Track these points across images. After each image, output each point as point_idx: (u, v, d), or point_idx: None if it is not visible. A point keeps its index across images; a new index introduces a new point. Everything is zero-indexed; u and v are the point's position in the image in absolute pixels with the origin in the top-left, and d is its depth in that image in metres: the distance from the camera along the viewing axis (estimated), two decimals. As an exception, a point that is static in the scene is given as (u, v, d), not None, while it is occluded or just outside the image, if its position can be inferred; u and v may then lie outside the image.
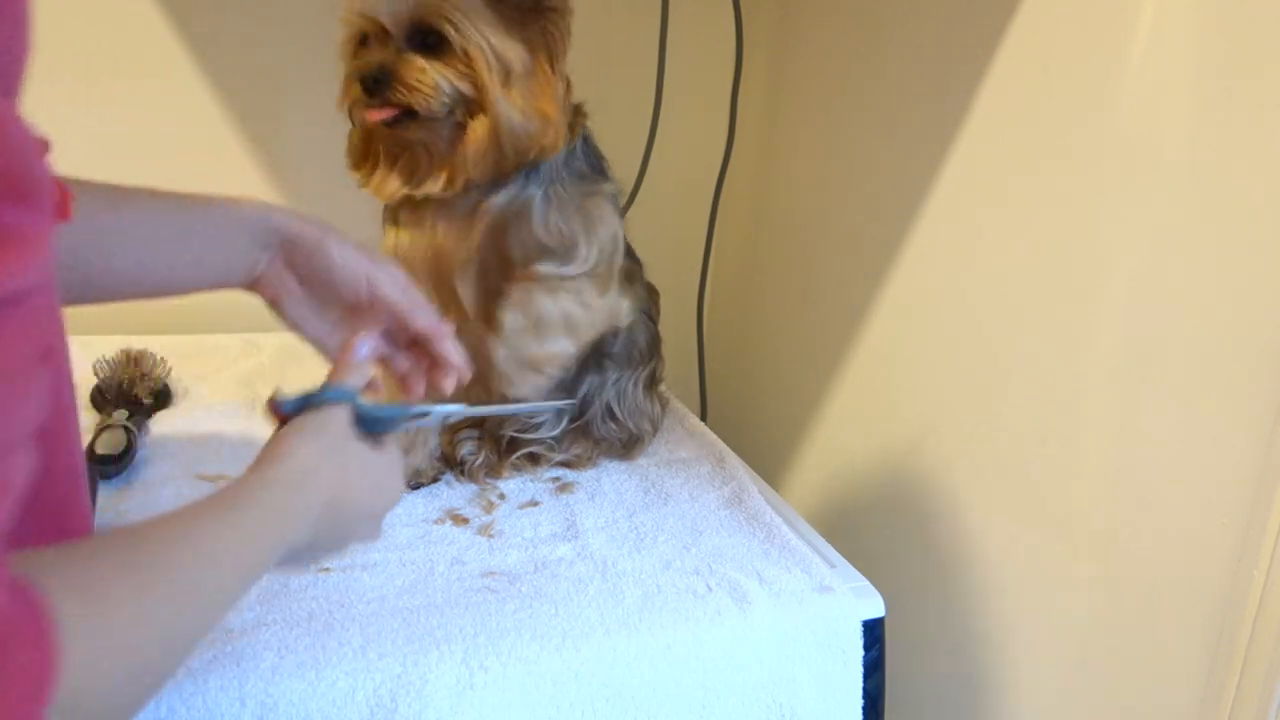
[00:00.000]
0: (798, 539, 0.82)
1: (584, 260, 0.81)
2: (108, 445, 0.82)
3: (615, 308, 0.87)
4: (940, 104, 0.93)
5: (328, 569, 0.70)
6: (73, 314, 1.29)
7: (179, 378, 1.04)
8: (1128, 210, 0.73)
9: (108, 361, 0.98)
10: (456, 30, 0.75)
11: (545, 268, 0.80)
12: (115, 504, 0.76)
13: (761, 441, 1.33)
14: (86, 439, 0.84)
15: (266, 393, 1.04)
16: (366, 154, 0.82)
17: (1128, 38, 0.72)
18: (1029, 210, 0.83)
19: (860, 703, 0.74)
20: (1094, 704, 0.78)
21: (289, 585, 0.68)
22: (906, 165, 0.98)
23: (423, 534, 0.77)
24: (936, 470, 0.96)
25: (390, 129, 0.78)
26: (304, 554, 0.49)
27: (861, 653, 0.74)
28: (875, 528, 1.05)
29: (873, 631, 0.74)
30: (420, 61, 0.75)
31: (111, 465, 0.80)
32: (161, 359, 1.02)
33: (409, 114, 0.76)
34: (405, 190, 0.80)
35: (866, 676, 0.74)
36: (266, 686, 0.59)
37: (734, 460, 0.97)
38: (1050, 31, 0.80)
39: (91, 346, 1.07)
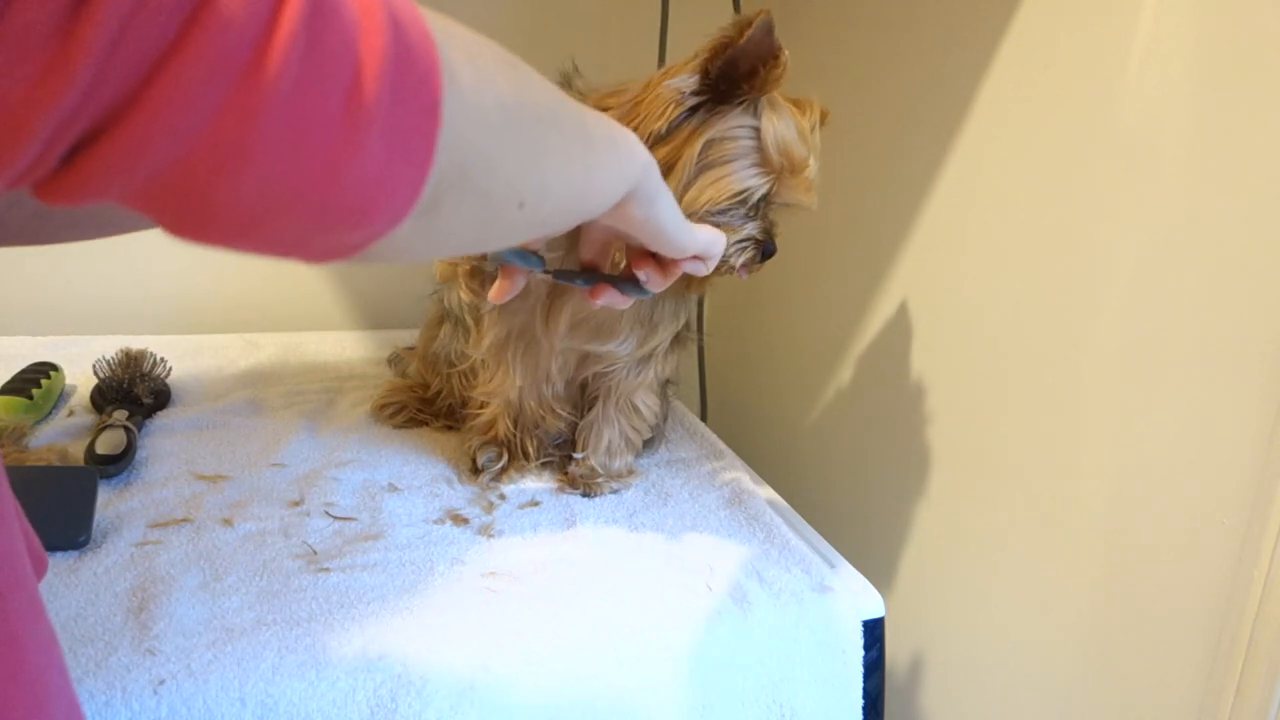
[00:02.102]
0: (798, 539, 0.82)
1: (659, 337, 0.85)
2: (108, 445, 0.82)
3: (663, 406, 0.96)
4: (940, 104, 0.93)
5: (327, 569, 0.70)
6: (73, 313, 1.29)
7: (179, 378, 1.04)
8: (1128, 210, 0.73)
9: (108, 361, 0.98)
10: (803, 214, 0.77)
11: (625, 347, 0.83)
12: (115, 504, 0.76)
13: (761, 441, 1.33)
14: (86, 439, 0.84)
15: (267, 393, 1.05)
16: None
17: (1128, 38, 0.72)
18: (1029, 210, 0.83)
19: (860, 703, 0.74)
20: (1094, 704, 0.78)
21: (289, 585, 0.68)
22: (906, 165, 0.99)
23: (423, 534, 0.77)
24: (937, 471, 0.96)
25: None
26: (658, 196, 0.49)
27: (861, 653, 0.74)
28: (875, 528, 1.05)
29: (873, 631, 0.74)
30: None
31: (111, 465, 0.80)
32: (161, 359, 1.02)
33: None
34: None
35: (866, 676, 0.74)
36: (266, 686, 0.59)
37: (734, 460, 0.97)
38: (1050, 31, 0.80)
39: (91, 346, 1.07)
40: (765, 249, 0.75)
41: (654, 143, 0.71)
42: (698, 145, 0.70)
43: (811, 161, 0.75)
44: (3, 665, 0.34)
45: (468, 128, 0.32)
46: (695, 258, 0.58)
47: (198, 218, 0.28)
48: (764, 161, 0.72)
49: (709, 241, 0.57)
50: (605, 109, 0.74)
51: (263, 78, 0.25)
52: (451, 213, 0.33)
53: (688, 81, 0.70)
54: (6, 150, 0.24)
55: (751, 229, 0.74)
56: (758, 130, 0.71)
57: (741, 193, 0.72)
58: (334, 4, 0.27)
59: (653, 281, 0.59)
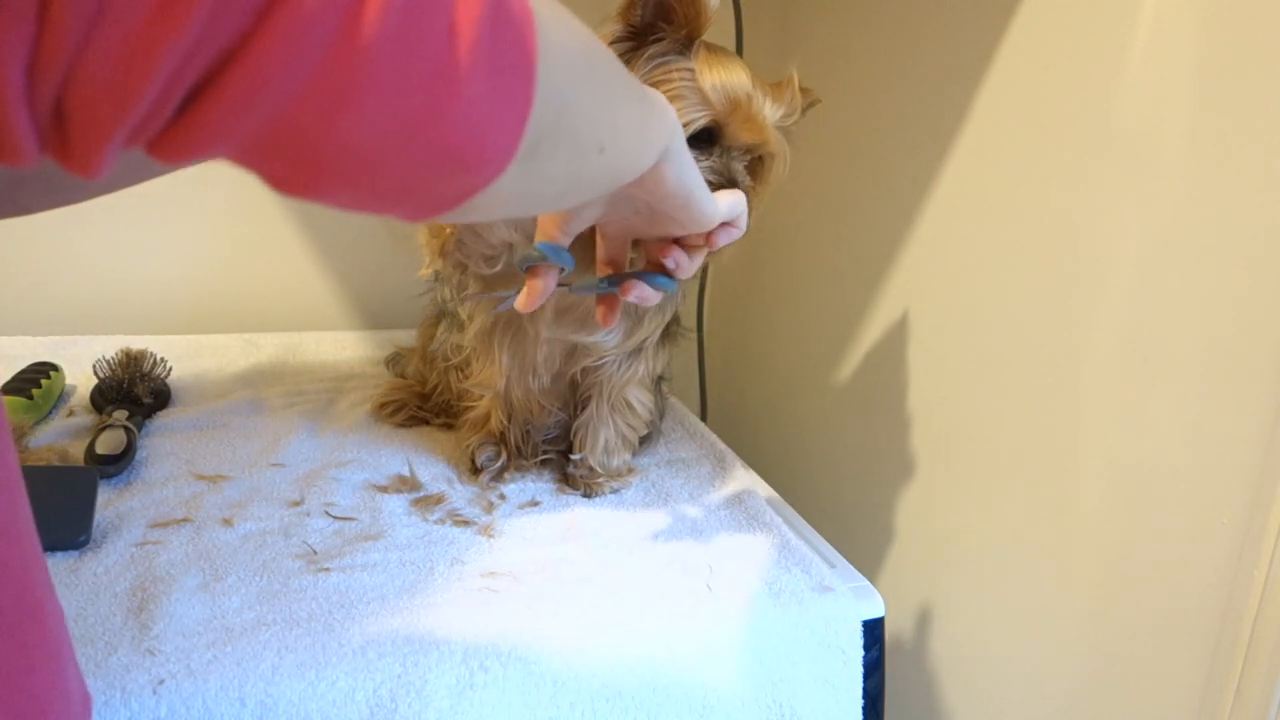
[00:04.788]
0: (798, 539, 0.82)
1: (645, 330, 0.84)
2: (108, 445, 0.82)
3: (658, 403, 0.96)
4: (940, 103, 0.93)
5: (327, 569, 0.70)
6: (73, 314, 1.29)
7: (179, 378, 1.04)
8: (1128, 210, 0.73)
9: (108, 361, 0.98)
10: (780, 166, 0.76)
11: (611, 339, 0.83)
12: (115, 504, 0.76)
13: (761, 441, 1.33)
14: (86, 439, 0.84)
15: (267, 393, 1.05)
16: None
17: (1128, 38, 0.72)
18: (1029, 209, 0.83)
19: (860, 703, 0.74)
20: (1094, 703, 0.78)
21: (289, 585, 0.68)
22: (906, 165, 0.98)
23: (423, 534, 0.77)
24: (936, 470, 0.96)
25: None
26: (684, 161, 0.50)
27: (861, 653, 0.74)
28: (875, 528, 1.05)
29: (873, 631, 0.74)
30: (753, 193, 0.76)
31: (111, 465, 0.80)
32: (161, 359, 1.02)
33: None
34: None
35: (866, 676, 0.74)
36: (266, 686, 0.59)
37: (734, 460, 0.97)
38: (1050, 31, 0.80)
39: (91, 346, 1.07)
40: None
41: None
42: None
43: (766, 105, 0.74)
44: (30, 634, 0.35)
45: (558, 70, 0.33)
46: (724, 225, 0.57)
47: (307, 168, 0.28)
48: (703, 101, 0.72)
49: (731, 205, 0.57)
50: None
51: (367, 17, 0.26)
52: (547, 157, 0.34)
53: (609, 31, 0.72)
54: (129, 89, 0.24)
55: (702, 170, 0.73)
56: (693, 71, 0.72)
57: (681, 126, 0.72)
58: None
59: (682, 267, 0.58)
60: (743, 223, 0.59)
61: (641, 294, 0.58)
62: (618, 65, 0.41)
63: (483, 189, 0.32)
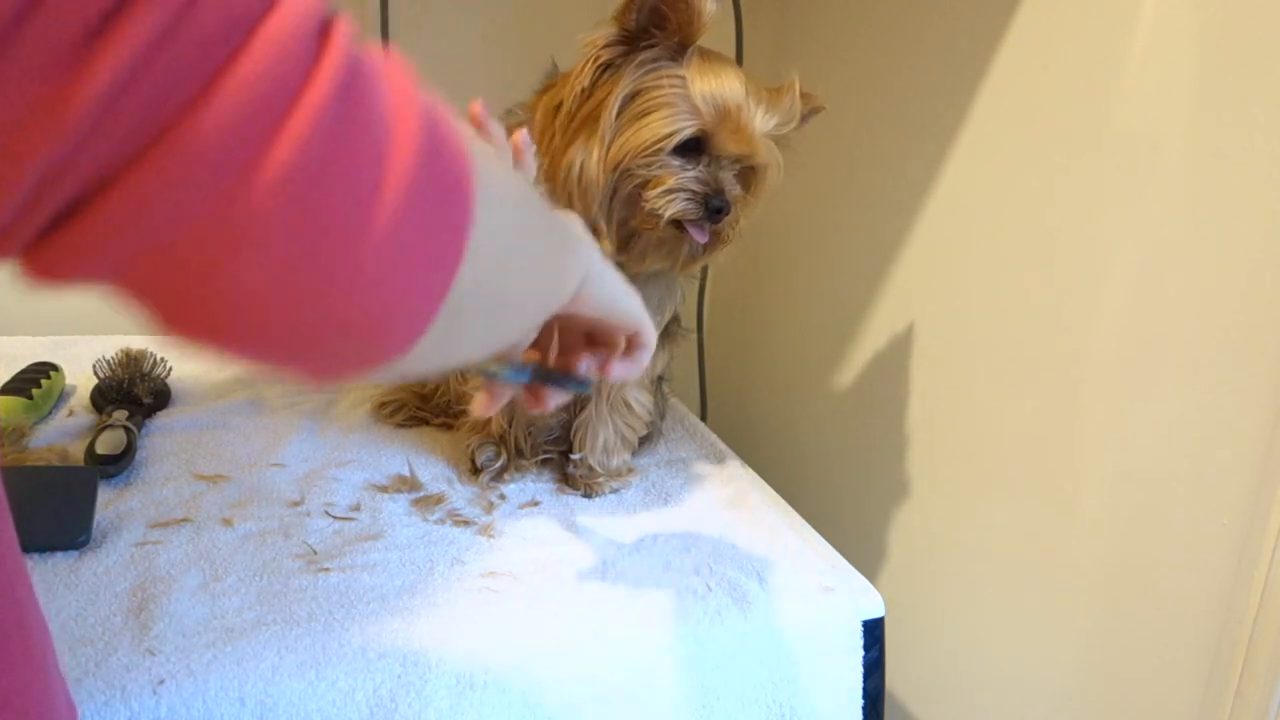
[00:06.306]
0: (798, 539, 0.82)
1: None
2: (108, 445, 0.82)
3: (658, 403, 0.96)
4: (940, 104, 0.93)
5: (327, 569, 0.70)
6: (73, 314, 1.29)
7: (179, 378, 1.04)
8: (1128, 210, 0.73)
9: (108, 361, 0.98)
10: (772, 176, 0.77)
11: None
12: (115, 504, 0.76)
13: (761, 441, 1.33)
14: (86, 439, 0.84)
15: (267, 393, 1.05)
16: (613, 218, 0.77)
17: (1128, 38, 0.72)
18: (1029, 210, 0.83)
19: (860, 703, 0.74)
20: (1094, 704, 0.78)
21: (289, 585, 0.68)
22: (906, 165, 0.98)
23: (423, 534, 0.77)
24: (937, 471, 0.96)
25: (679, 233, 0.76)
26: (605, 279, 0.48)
27: (861, 653, 0.74)
28: (875, 528, 1.05)
29: (873, 631, 0.74)
30: (743, 202, 0.76)
31: (111, 465, 0.80)
32: (161, 359, 1.02)
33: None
34: (614, 259, 0.76)
35: (866, 676, 0.74)
36: (266, 686, 0.59)
37: (734, 460, 0.97)
38: (1050, 31, 0.80)
39: (91, 346, 1.07)
40: (709, 202, 0.73)
41: (583, 99, 0.72)
42: (618, 94, 0.71)
43: (758, 115, 0.74)
44: (16, 650, 0.35)
45: (490, 237, 0.30)
46: (629, 350, 0.55)
47: (190, 307, 0.26)
48: (692, 110, 0.72)
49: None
50: (550, 87, 0.76)
51: (274, 160, 0.23)
52: (465, 325, 0.32)
53: (604, 34, 0.72)
54: None
55: (688, 180, 0.73)
56: (684, 80, 0.72)
57: (668, 135, 0.72)
58: (369, 89, 0.25)
59: (593, 372, 0.57)
60: (648, 352, 0.56)
61: (552, 398, 0.58)
62: (545, 212, 0.38)
63: (389, 361, 0.29)
